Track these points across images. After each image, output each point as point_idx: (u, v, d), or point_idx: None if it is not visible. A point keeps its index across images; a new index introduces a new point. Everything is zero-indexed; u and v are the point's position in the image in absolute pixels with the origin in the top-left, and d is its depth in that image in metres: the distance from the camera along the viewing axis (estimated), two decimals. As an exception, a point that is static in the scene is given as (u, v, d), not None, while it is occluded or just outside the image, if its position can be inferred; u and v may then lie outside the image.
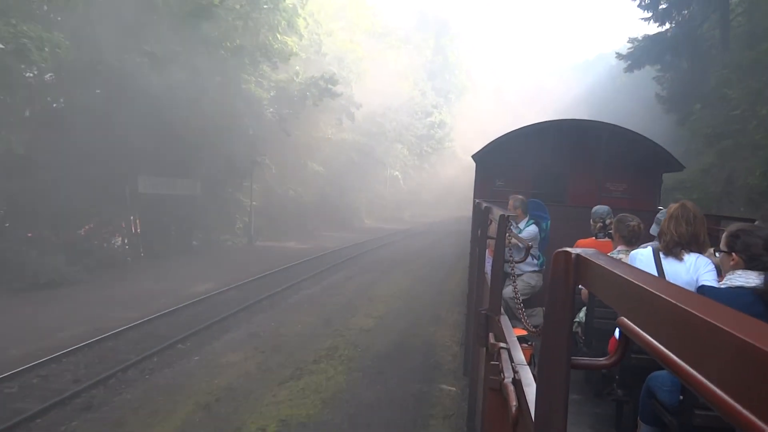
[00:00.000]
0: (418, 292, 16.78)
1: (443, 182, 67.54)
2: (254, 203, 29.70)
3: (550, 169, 9.92)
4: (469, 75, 77.44)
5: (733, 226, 3.27)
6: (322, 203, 38.33)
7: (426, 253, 27.33)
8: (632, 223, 4.95)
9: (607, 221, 6.05)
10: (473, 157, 10.47)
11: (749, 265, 3.09)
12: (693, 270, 3.70)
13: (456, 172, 65.15)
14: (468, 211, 64.30)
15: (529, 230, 6.92)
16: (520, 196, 7.29)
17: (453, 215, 57.95)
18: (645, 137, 9.68)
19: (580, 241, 5.76)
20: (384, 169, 51.09)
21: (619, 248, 4.96)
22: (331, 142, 39.20)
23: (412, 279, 19.25)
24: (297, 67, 31.56)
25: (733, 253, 3.15)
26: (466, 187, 67.31)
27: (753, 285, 3.00)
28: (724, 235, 3.24)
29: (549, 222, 7.43)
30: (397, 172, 53.26)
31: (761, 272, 3.01)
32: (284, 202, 34.17)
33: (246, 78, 26.71)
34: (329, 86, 31.63)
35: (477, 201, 7.72)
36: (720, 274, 3.55)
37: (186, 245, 25.65)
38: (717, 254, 3.46)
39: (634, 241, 4.91)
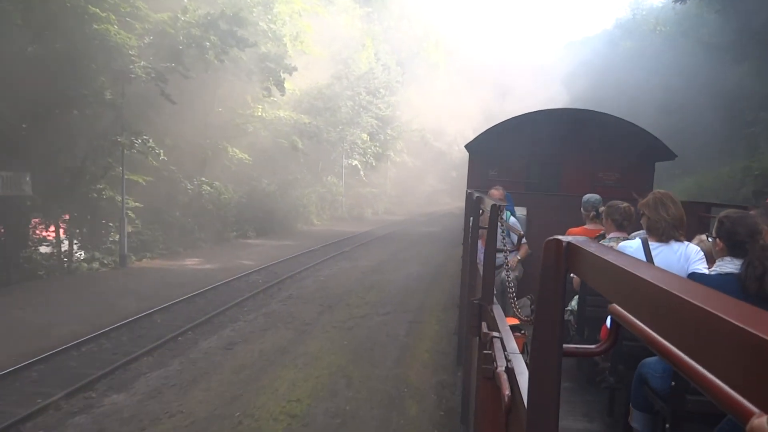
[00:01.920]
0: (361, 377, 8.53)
1: (413, 173, 58.23)
2: (136, 204, 21.00)
3: (543, 158, 9.95)
4: (442, 49, 63.67)
5: (723, 213, 3.30)
6: (250, 202, 29.09)
7: (388, 275, 17.46)
8: (623, 206, 5.02)
9: (600, 209, 6.08)
10: (466, 146, 10.53)
11: (732, 251, 3.11)
12: (684, 258, 3.73)
13: (425, 163, 58.61)
14: (441, 205, 55.47)
15: (512, 221, 6.92)
16: (500, 187, 7.30)
17: (423, 211, 51.69)
18: (638, 126, 9.74)
19: (571, 230, 5.78)
20: (339, 157, 42.85)
21: (610, 235, 4.99)
22: (263, 122, 29.26)
23: (356, 340, 10.45)
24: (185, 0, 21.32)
25: (718, 239, 3.19)
26: (439, 177, 64.55)
27: (738, 271, 3.02)
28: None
29: (517, 216, 7.44)
30: (355, 162, 44.15)
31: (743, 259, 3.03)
32: (191, 202, 25.03)
33: (99, 14, 16.70)
34: (234, 29, 21.64)
35: (469, 191, 7.74)
36: (710, 260, 3.57)
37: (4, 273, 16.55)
38: (709, 239, 3.50)
39: (626, 224, 4.97)
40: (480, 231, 5.03)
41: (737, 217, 3.18)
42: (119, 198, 19.51)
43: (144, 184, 21.06)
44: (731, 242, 3.13)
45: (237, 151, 27.34)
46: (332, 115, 36.65)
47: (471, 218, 5.95)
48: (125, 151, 19.19)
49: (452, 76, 61.41)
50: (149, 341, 10.94)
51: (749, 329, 0.46)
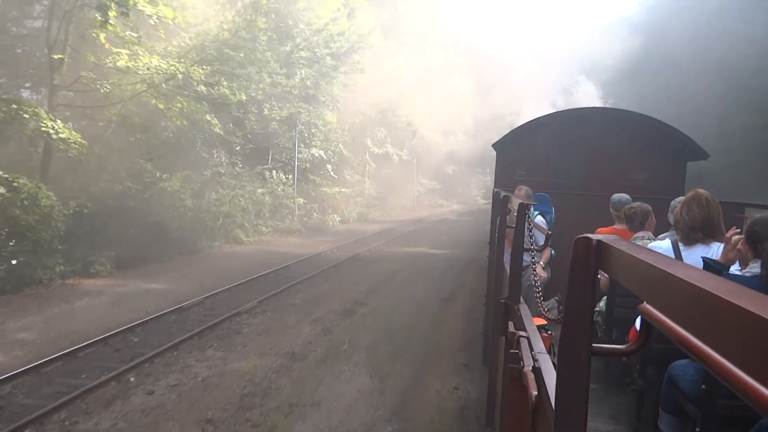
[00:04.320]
0: None
1: (399, 169, 45.73)
2: None
3: (571, 157, 9.86)
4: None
5: (754, 216, 3.25)
6: (108, 212, 17.56)
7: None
8: (634, 204, 5.06)
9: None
10: (494, 145, 10.47)
11: (754, 251, 3.06)
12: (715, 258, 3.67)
13: (415, 156, 48.19)
14: (433, 209, 45.91)
15: (538, 220, 6.85)
16: (525, 187, 7.25)
17: (411, 216, 40.13)
18: (669, 125, 9.59)
19: (601, 229, 5.72)
20: (289, 144, 29.93)
21: (636, 235, 4.95)
22: (133, 78, 17.49)
23: None
24: None
25: (747, 241, 3.14)
26: (431, 174, 51.05)
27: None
28: None
29: (553, 216, 7.38)
30: (316, 150, 31.66)
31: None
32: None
33: None
34: None
35: (496, 190, 7.71)
36: (744, 262, 3.50)
37: None
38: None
39: (638, 223, 5.00)
40: (506, 231, 5.01)
41: (758, 217, 3.12)
42: None
43: None
44: (753, 243, 3.07)
45: (59, 126, 15.21)
46: (247, 55, 22.51)
47: (498, 218, 5.92)
48: None
49: (448, 51, 51.19)
50: None
51: None
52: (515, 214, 3.79)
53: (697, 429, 3.13)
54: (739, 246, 3.29)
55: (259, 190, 27.19)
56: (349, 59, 33.09)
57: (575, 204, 8.39)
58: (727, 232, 3.58)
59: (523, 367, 2.33)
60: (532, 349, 2.43)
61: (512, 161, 10.05)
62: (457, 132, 51.51)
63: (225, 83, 21.66)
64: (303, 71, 29.84)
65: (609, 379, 5.09)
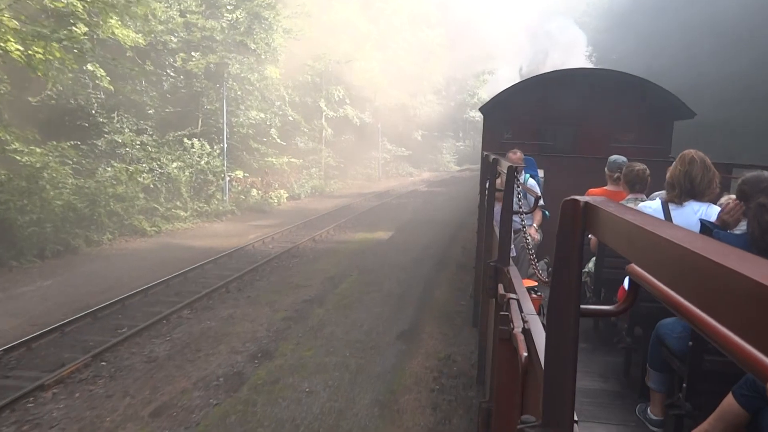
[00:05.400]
0: None
1: (361, 134, 39.63)
2: None
3: (558, 119, 9.86)
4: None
5: (744, 175, 3.26)
6: None
7: None
8: (637, 168, 4.98)
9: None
10: (480, 109, 10.48)
11: (746, 209, 3.08)
12: (705, 218, 3.69)
13: (379, 119, 41.53)
14: (401, 178, 39.89)
15: (530, 183, 6.85)
16: (519, 151, 7.22)
17: (376, 188, 35.14)
18: (655, 84, 9.57)
19: (592, 190, 5.73)
20: (207, 94, 24.99)
21: (627, 197, 4.96)
22: None
23: None
24: None
25: (738, 200, 3.17)
26: (399, 140, 42.79)
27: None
28: None
29: (540, 179, 7.36)
30: (255, 113, 26.58)
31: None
32: None
33: None
34: None
35: (485, 153, 7.71)
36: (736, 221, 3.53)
37: None
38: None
39: (639, 187, 4.95)
40: (497, 194, 5.02)
41: (749, 177, 3.14)
42: None
43: None
44: (745, 202, 3.10)
45: None
46: None
47: (487, 180, 5.93)
48: None
49: None
50: None
51: None
52: (505, 176, 3.79)
53: (684, 384, 3.19)
54: (732, 207, 3.31)
55: (174, 164, 21.12)
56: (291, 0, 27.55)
57: (565, 166, 8.40)
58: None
59: (513, 329, 2.35)
60: (521, 311, 2.45)
61: (499, 124, 10.04)
62: (426, 91, 47.53)
63: (114, 19, 16.46)
64: (235, 14, 24.47)
65: (598, 338, 5.17)
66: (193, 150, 22.81)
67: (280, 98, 29.13)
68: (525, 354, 2.05)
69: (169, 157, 21.52)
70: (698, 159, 3.74)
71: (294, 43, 28.09)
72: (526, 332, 2.19)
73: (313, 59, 32.04)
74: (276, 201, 26.03)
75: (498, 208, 4.23)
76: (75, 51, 15.56)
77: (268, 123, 27.42)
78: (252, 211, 24.07)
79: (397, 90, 41.08)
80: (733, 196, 4.04)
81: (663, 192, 4.06)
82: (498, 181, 5.08)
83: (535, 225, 6.64)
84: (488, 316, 4.72)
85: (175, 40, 22.22)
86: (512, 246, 4.06)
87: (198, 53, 23.40)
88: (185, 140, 22.88)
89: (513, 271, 3.27)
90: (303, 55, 30.47)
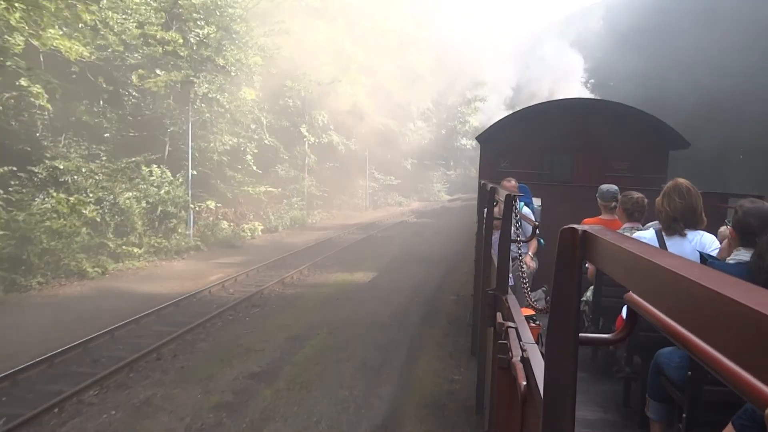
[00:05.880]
0: None
1: (348, 162, 37.89)
2: None
3: (555, 148, 9.98)
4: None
5: (739, 202, 3.27)
6: None
7: None
8: (635, 196, 5.01)
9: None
10: (477, 138, 10.60)
11: (743, 242, 3.09)
12: (699, 247, 3.71)
13: (366, 147, 39.31)
14: (390, 207, 37.56)
15: (525, 211, 6.88)
16: (514, 179, 7.28)
17: (363, 219, 33.10)
18: (650, 115, 9.72)
19: (587, 220, 5.75)
20: (172, 116, 22.98)
21: (624, 225, 4.98)
22: None
23: None
24: None
25: (732, 229, 3.18)
26: (387, 168, 40.45)
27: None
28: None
29: (535, 207, 7.45)
30: (229, 138, 25.17)
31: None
32: None
33: None
34: None
35: (483, 182, 7.76)
36: (729, 250, 3.55)
37: None
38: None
39: (638, 215, 4.97)
40: (494, 222, 5.03)
41: (749, 207, 3.15)
42: None
43: None
44: (743, 232, 3.10)
45: None
46: None
47: (485, 209, 5.95)
48: None
49: (405, 20, 42.48)
50: None
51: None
52: (503, 205, 3.81)
53: (684, 415, 3.17)
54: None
55: (128, 194, 18.60)
56: (269, 17, 25.45)
57: (560, 195, 8.46)
58: (708, 220, 3.62)
59: (511, 358, 2.34)
60: (520, 340, 2.45)
61: (496, 153, 10.15)
62: (415, 118, 45.90)
63: (53, 30, 14.88)
64: (205, 30, 21.91)
65: (596, 368, 5.14)
66: (152, 178, 20.36)
67: (256, 121, 27.24)
68: (524, 383, 2.04)
69: (123, 186, 19.06)
70: (684, 188, 3.77)
71: (271, 62, 26.00)
72: (525, 361, 2.18)
73: (293, 80, 29.81)
74: (249, 234, 23.90)
75: (496, 236, 4.24)
76: (8, 65, 14.17)
77: (243, 148, 25.55)
78: (220, 246, 21.70)
79: (384, 116, 39.36)
80: (728, 227, 4.06)
81: (656, 222, 4.09)
82: (496, 209, 5.10)
83: (530, 253, 6.65)
84: (487, 344, 4.70)
85: (137, 55, 20.22)
86: (510, 275, 4.06)
87: (163, 71, 21.20)
88: (143, 167, 20.40)
89: (511, 299, 3.27)
90: (282, 75, 28.58)
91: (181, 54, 21.34)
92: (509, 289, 3.50)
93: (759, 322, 0.46)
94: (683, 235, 3.79)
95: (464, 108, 51.86)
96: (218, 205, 23.34)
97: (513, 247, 3.89)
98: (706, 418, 3.09)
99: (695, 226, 3.80)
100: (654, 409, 3.62)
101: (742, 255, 3.09)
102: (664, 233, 3.85)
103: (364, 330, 11.08)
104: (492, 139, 10.32)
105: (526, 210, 6.79)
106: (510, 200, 3.55)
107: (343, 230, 27.85)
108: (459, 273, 16.50)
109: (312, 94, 31.26)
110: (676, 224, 3.80)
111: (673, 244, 3.76)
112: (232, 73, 23.27)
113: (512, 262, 4.83)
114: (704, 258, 3.15)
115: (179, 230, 20.65)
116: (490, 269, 4.90)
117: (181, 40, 21.11)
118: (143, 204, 19.25)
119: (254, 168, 26.29)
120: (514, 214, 3.60)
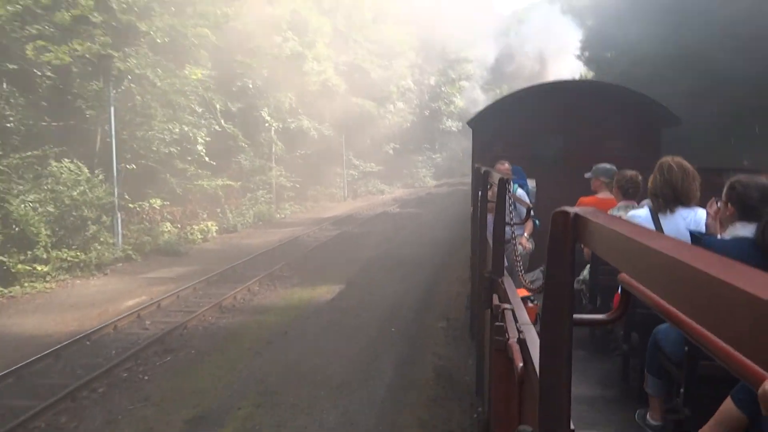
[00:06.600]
0: None
1: (322, 149, 34.21)
2: None
3: (547, 130, 9.98)
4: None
5: (733, 177, 3.26)
6: None
7: None
8: (629, 173, 5.01)
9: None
10: (469, 123, 10.56)
11: (744, 216, 3.08)
12: (693, 224, 3.72)
13: (343, 131, 35.76)
14: (371, 197, 35.54)
15: (520, 193, 6.88)
16: (507, 162, 7.28)
17: (340, 212, 29.78)
18: (641, 93, 9.71)
19: (583, 199, 5.75)
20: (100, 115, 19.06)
21: (619, 204, 4.98)
22: None
23: None
24: None
25: (729, 204, 3.15)
26: (366, 155, 37.55)
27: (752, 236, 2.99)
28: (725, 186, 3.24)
29: (530, 188, 7.48)
30: (174, 125, 21.15)
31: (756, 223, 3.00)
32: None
33: None
34: None
35: (477, 165, 7.76)
36: (722, 225, 3.55)
37: None
38: (719, 204, 3.47)
39: (632, 192, 4.97)
40: (489, 205, 5.03)
41: (749, 181, 3.14)
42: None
43: None
44: (743, 207, 3.10)
45: None
46: None
47: (479, 192, 5.95)
48: None
49: None
50: None
51: (759, 295, 0.45)
52: (496, 188, 3.81)
53: (681, 390, 3.19)
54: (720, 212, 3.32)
55: (31, 197, 15.27)
56: None
57: (555, 175, 8.47)
58: (703, 196, 3.62)
59: (508, 339, 2.35)
60: (516, 321, 2.45)
61: (488, 138, 10.14)
62: (395, 99, 42.22)
63: None
64: None
65: (595, 346, 5.17)
66: (63, 177, 16.36)
67: (204, 104, 23.18)
68: (521, 364, 2.05)
69: (21, 188, 15.36)
70: (675, 165, 3.77)
71: (220, 35, 22.61)
72: (522, 342, 2.19)
73: (244, 55, 25.49)
74: (200, 237, 20.52)
75: (491, 219, 4.24)
76: None
77: (192, 136, 21.31)
78: (160, 254, 17.93)
79: (360, 97, 35.52)
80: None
81: (649, 200, 4.09)
82: (490, 192, 5.10)
83: (526, 234, 6.66)
84: (484, 326, 4.72)
85: (44, 24, 16.59)
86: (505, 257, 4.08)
87: (77, 42, 17.33)
88: (53, 162, 16.54)
89: (507, 281, 3.28)
90: (234, 52, 24.92)
91: (94, 20, 17.63)
92: (505, 271, 3.51)
93: (749, 302, 0.46)
94: (672, 212, 3.79)
95: (448, 88, 49.34)
96: (165, 203, 20.25)
97: (507, 229, 3.90)
98: (704, 393, 3.12)
99: (682, 204, 3.79)
100: (652, 384, 3.65)
101: (739, 230, 3.09)
102: (657, 211, 3.86)
103: (308, 394, 7.51)
104: (483, 124, 10.32)
105: (520, 192, 6.81)
106: (503, 183, 3.55)
107: (314, 226, 24.38)
108: (447, 280, 13.60)
109: (273, 72, 27.16)
110: (665, 201, 3.80)
111: (667, 222, 3.77)
112: (158, 40, 19.66)
113: (507, 244, 4.85)
114: (697, 237, 3.14)
115: (101, 239, 16.89)
116: (485, 252, 4.91)
117: (92, 2, 17.56)
118: (49, 208, 15.50)
119: (206, 159, 22.45)
120: (507, 197, 3.60)
